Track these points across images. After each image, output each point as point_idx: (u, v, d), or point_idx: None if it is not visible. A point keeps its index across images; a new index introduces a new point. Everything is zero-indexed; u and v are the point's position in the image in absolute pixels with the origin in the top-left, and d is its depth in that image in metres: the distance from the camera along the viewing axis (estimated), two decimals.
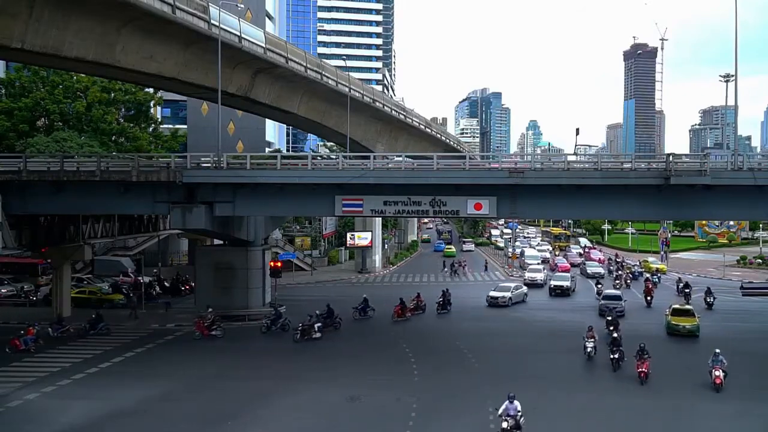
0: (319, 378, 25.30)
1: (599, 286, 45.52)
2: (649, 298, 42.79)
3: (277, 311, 35.06)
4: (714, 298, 41.61)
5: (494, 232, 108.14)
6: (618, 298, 39.42)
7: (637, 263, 64.08)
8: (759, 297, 45.66)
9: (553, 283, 48.84)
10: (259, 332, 33.44)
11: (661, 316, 36.06)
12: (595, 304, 41.21)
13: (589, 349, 27.91)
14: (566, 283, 48.04)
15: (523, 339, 32.85)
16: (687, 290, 44.02)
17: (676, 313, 33.94)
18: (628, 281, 52.28)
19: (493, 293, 43.51)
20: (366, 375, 25.93)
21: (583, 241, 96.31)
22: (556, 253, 78.40)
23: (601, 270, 59.27)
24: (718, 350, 23.42)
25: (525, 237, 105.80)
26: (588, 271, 59.18)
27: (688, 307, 35.45)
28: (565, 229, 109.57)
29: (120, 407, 21.60)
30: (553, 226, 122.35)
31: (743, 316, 39.70)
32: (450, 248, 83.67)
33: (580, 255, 75.02)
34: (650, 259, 67.23)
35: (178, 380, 25.12)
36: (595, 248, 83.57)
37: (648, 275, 53.30)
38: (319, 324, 32.52)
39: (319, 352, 29.80)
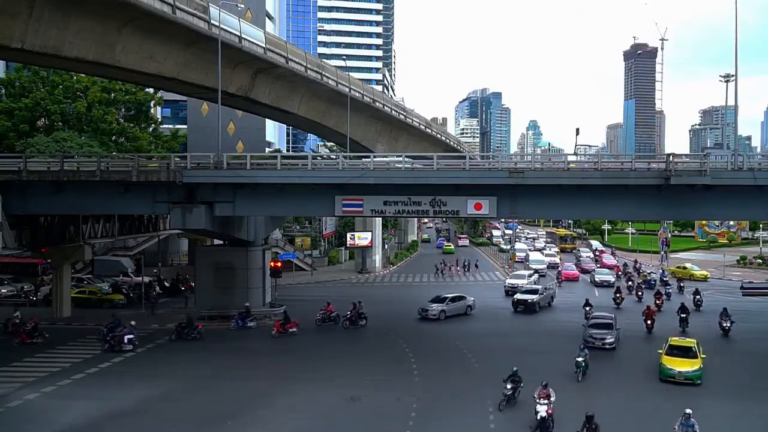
0: (320, 378, 25.30)
1: (587, 308, 36.88)
2: (649, 322, 33.60)
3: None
4: (732, 323, 33.34)
5: (495, 233, 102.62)
6: (608, 326, 30.48)
7: (660, 271, 55.56)
8: (759, 297, 45.66)
9: (516, 296, 41.43)
10: (259, 332, 33.37)
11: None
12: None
13: (540, 415, 19.23)
14: (532, 297, 40.42)
15: (523, 339, 32.83)
16: (684, 314, 34.20)
17: (672, 351, 25.32)
18: (640, 293, 44.81)
19: (425, 305, 38.19)
20: (365, 375, 25.93)
21: (595, 243, 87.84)
22: (560, 258, 70.00)
23: (610, 278, 53.19)
24: (689, 411, 17.81)
25: (527, 238, 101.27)
26: (596, 279, 53.62)
27: (688, 342, 25.99)
28: (566, 228, 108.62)
29: (120, 407, 21.60)
30: (557, 227, 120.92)
31: (744, 316, 39.61)
32: (449, 246, 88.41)
33: (596, 260, 68.13)
34: (688, 264, 60.57)
35: (178, 380, 25.11)
36: (607, 252, 75.85)
37: (660, 288, 46.50)
38: (131, 335, 29.29)
39: (319, 352, 29.79)
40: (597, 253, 74.57)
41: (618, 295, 42.44)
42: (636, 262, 64.72)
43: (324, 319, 35.31)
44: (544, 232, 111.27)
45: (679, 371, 24.29)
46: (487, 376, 25.54)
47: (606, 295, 45.41)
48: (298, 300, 42.82)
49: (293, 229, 75.63)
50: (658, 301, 39.58)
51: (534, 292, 41.73)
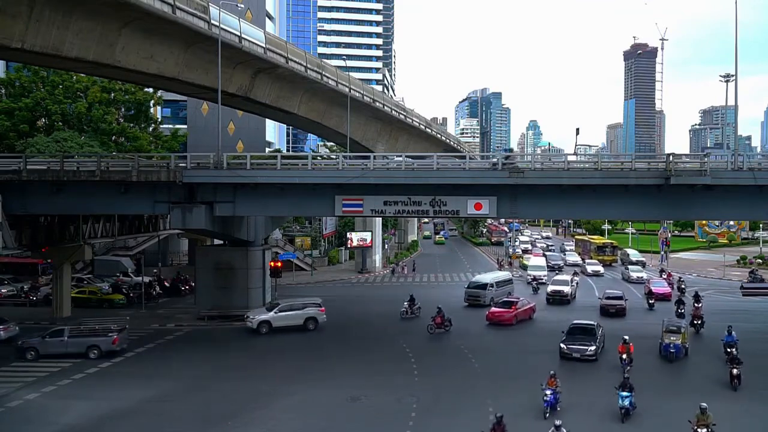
0: (320, 378, 25.31)
1: None
2: None
3: None
4: None
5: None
6: None
7: (728, 334, 27.74)
8: (759, 297, 45.63)
9: None
10: (260, 333, 33.32)
11: None
12: None
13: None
14: None
15: (523, 339, 32.82)
16: None
17: None
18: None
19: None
20: (366, 375, 25.94)
21: (632, 252, 65.54)
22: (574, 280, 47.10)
23: (588, 348, 27.50)
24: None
25: (550, 247, 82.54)
26: (564, 349, 27.82)
27: None
28: (574, 231, 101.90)
29: (120, 407, 21.61)
30: (557, 227, 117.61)
31: (746, 316, 39.63)
32: (441, 238, 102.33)
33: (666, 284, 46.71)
34: None
35: (178, 380, 25.12)
36: (666, 272, 54.37)
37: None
38: None
39: (319, 352, 29.77)
40: (663, 274, 53.14)
41: None
42: (698, 299, 36.26)
43: None
44: (573, 240, 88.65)
45: None
46: (487, 376, 25.60)
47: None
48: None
49: (293, 229, 75.61)
50: None
51: None
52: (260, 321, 33.22)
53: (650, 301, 41.35)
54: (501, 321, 35.32)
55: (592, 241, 75.89)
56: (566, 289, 43.53)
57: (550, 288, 44.15)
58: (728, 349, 26.53)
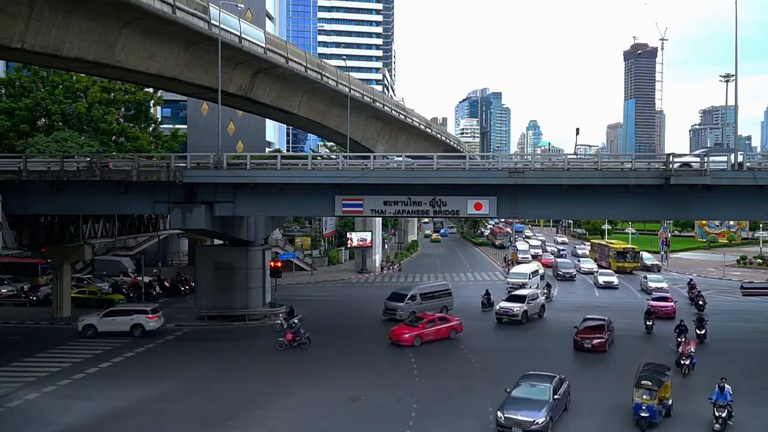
0: (319, 378, 25.30)
1: None
2: None
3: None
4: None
5: (521, 246, 75.24)
6: None
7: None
8: (759, 297, 45.65)
9: None
10: (258, 332, 33.33)
11: None
12: None
13: None
14: None
15: (523, 339, 32.83)
16: None
17: None
18: None
19: None
20: (366, 375, 25.93)
21: (647, 256, 62.32)
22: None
23: (539, 420, 18.92)
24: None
25: (562, 251, 76.83)
26: (502, 422, 19.09)
27: None
28: (574, 232, 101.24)
29: (119, 407, 21.60)
30: (557, 227, 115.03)
31: (747, 316, 39.63)
32: (437, 236, 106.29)
33: (694, 299, 41.12)
34: None
35: (178, 380, 25.11)
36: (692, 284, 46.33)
37: None
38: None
39: (319, 352, 29.78)
40: (692, 290, 44.25)
41: None
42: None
43: None
44: (587, 245, 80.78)
45: None
46: (487, 376, 25.60)
47: None
48: (298, 300, 42.77)
49: (293, 229, 75.64)
50: None
51: None
52: (85, 324, 32.69)
53: (648, 323, 33.99)
54: (399, 341, 30.51)
55: (610, 245, 65.76)
56: (516, 307, 35.97)
57: (500, 304, 37.20)
58: (717, 414, 19.46)
